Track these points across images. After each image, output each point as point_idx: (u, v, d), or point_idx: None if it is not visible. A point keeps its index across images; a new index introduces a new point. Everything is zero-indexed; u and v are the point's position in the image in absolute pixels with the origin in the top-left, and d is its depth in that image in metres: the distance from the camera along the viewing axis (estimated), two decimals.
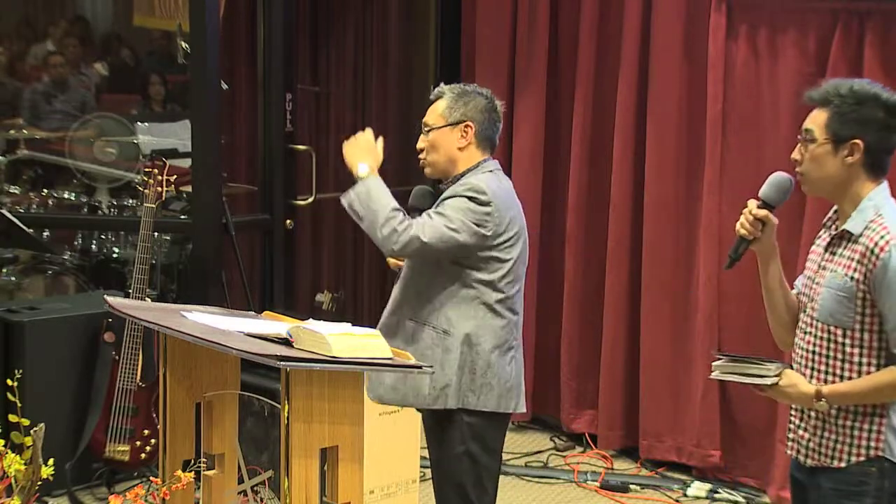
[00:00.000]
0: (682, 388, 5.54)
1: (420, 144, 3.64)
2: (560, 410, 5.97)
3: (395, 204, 3.47)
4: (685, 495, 5.35)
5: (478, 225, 3.46)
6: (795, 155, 3.00)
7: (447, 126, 3.57)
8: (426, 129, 3.62)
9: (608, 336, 5.77)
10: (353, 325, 3.11)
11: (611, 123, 5.72)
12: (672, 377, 5.56)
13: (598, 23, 5.76)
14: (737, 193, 5.34)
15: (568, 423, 5.98)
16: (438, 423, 3.61)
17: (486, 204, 3.46)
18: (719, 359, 3.08)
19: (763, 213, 3.02)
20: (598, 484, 5.41)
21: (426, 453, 5.28)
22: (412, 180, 6.86)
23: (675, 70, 5.47)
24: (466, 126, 3.56)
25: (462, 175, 3.54)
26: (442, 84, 3.70)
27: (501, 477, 3.82)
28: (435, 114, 3.61)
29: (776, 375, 2.99)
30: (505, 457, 4.02)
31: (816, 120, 2.96)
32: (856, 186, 2.95)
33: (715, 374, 3.08)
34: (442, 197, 3.54)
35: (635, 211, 5.67)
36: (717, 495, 5.33)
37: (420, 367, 3.07)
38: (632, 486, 5.40)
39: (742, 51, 5.28)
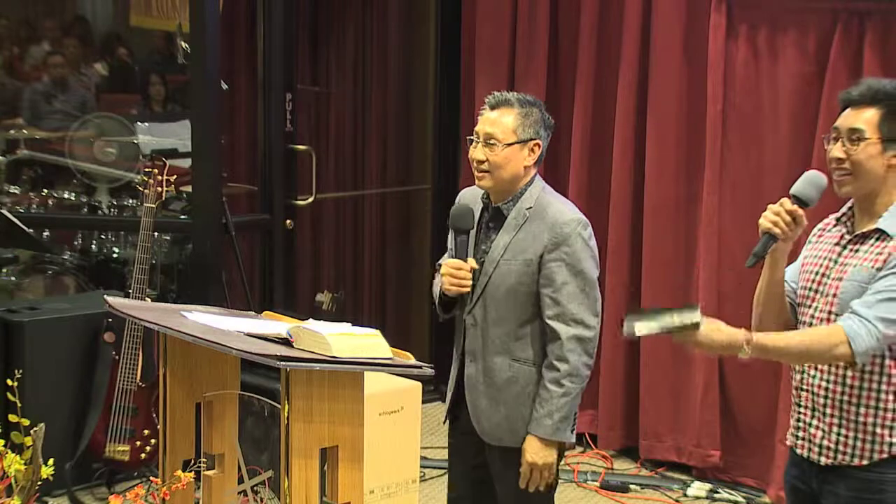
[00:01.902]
0: (682, 388, 5.54)
1: (481, 156, 3.37)
2: None
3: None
4: (685, 495, 5.35)
5: (594, 255, 3.43)
6: (838, 153, 2.92)
7: (518, 143, 3.37)
8: (492, 142, 3.35)
9: (608, 336, 5.77)
10: (353, 325, 3.11)
11: (611, 123, 5.72)
12: (672, 377, 5.56)
13: (598, 23, 5.76)
14: (737, 193, 5.35)
15: None
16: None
17: (588, 226, 3.42)
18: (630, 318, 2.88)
19: (800, 211, 2.96)
20: (598, 484, 5.42)
21: (426, 453, 5.30)
22: (412, 180, 6.90)
23: (675, 70, 5.47)
24: (536, 144, 3.39)
25: (521, 193, 3.40)
26: (503, 91, 3.45)
27: None
28: (505, 128, 3.36)
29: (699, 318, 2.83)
30: None
31: (864, 118, 2.90)
32: (889, 187, 2.92)
33: (627, 330, 2.85)
34: (552, 245, 3.35)
35: (635, 211, 5.67)
36: (717, 495, 5.33)
37: (420, 367, 3.07)
38: (632, 486, 5.40)
39: (742, 51, 5.28)
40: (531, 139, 3.38)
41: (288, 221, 5.94)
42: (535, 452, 3.39)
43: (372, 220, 7.04)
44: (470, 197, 3.55)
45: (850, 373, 2.91)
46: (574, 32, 5.84)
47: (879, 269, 2.86)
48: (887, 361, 2.88)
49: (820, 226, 3.11)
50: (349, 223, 7.11)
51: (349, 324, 3.11)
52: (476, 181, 3.44)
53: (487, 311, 3.41)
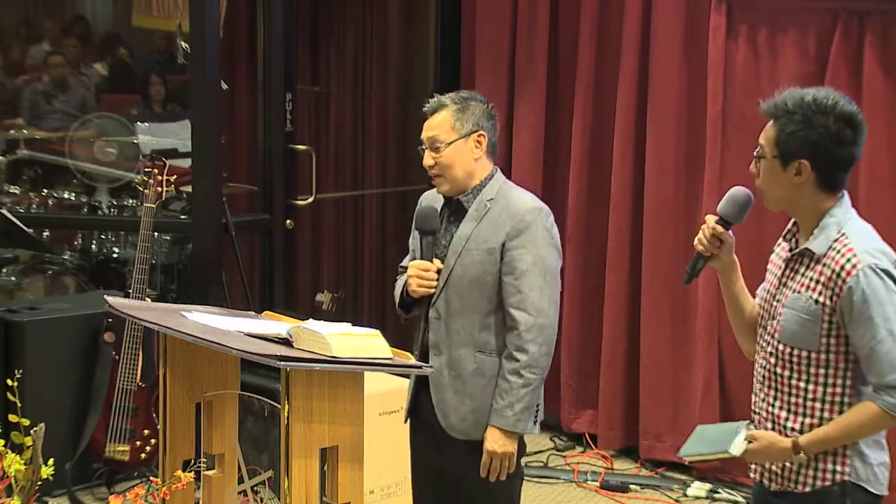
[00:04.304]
0: (682, 388, 5.54)
1: (429, 161, 3.44)
2: (560, 410, 5.96)
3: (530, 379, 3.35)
4: (685, 495, 5.35)
5: (556, 244, 3.43)
6: (752, 168, 2.90)
7: (460, 139, 3.40)
8: (436, 144, 3.40)
9: (608, 336, 5.77)
10: (353, 325, 3.11)
11: (611, 123, 5.72)
12: (672, 377, 5.56)
13: (598, 23, 5.76)
14: None
15: (568, 423, 5.97)
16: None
17: (550, 215, 3.41)
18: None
19: (720, 230, 2.94)
20: (598, 484, 5.42)
21: None
22: (412, 180, 6.90)
23: (675, 70, 5.47)
24: (480, 135, 3.41)
25: (481, 187, 3.42)
26: (436, 95, 3.51)
27: None
28: (444, 128, 3.40)
29: (746, 440, 2.89)
30: None
31: (767, 134, 2.85)
32: (813, 202, 2.84)
33: (682, 452, 3.02)
34: (514, 234, 3.35)
35: (635, 211, 5.67)
36: (717, 495, 5.33)
37: (420, 367, 3.07)
38: (632, 486, 5.40)
39: (742, 51, 5.28)
40: (473, 131, 3.41)
41: (288, 221, 5.94)
42: (494, 441, 3.35)
43: (372, 220, 7.05)
44: (431, 198, 3.57)
45: (796, 400, 2.87)
46: (574, 32, 5.84)
47: (818, 301, 2.78)
48: (829, 388, 2.82)
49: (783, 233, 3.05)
50: (349, 223, 7.12)
51: (349, 324, 3.12)
52: (436, 189, 3.48)
53: (450, 302, 3.41)
